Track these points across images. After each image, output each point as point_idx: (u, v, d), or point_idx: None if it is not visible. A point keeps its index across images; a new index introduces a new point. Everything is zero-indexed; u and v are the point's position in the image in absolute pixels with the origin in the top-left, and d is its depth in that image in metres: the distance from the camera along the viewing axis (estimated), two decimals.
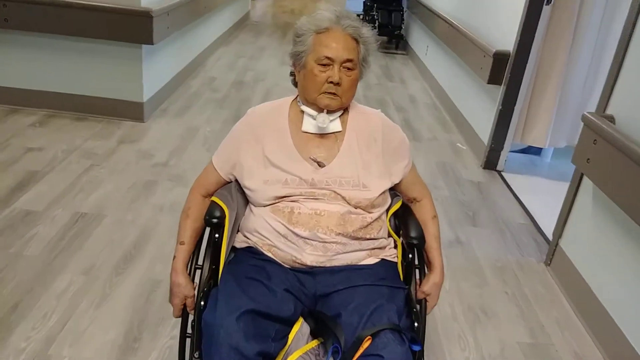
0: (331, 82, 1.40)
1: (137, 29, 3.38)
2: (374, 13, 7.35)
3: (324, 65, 1.40)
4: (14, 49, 3.53)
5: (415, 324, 1.32)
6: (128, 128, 3.60)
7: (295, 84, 1.51)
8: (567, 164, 3.74)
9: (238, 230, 1.49)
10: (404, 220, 1.52)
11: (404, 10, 7.32)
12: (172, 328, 1.90)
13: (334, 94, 1.41)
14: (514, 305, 2.29)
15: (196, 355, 1.29)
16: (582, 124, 2.25)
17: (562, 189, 2.64)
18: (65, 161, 3.03)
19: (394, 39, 7.38)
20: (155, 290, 2.10)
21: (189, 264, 1.42)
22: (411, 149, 1.58)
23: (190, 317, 1.38)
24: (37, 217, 2.49)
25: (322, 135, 1.46)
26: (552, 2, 3.20)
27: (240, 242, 1.46)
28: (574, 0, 3.20)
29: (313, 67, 1.41)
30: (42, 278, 2.09)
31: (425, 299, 1.44)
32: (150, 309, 2.00)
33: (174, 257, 1.41)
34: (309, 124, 1.46)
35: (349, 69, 1.42)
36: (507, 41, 3.43)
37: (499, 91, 3.48)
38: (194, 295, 1.38)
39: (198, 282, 1.39)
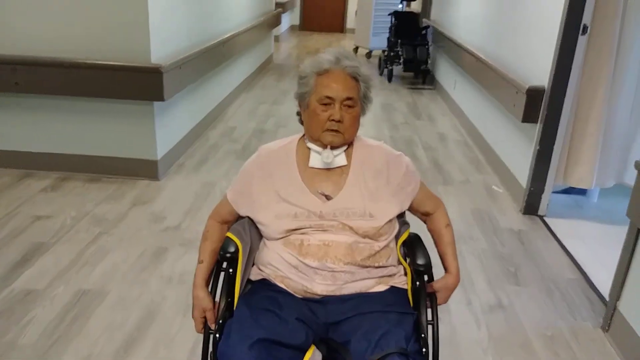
0: (333, 120, 1.47)
1: (147, 86, 3.26)
2: (399, 49, 7.17)
3: (326, 104, 1.47)
4: (25, 112, 3.45)
5: (424, 350, 1.33)
6: (142, 188, 3.45)
7: (302, 123, 1.58)
8: (616, 204, 3.41)
9: (254, 264, 1.54)
10: (411, 248, 1.56)
11: (429, 44, 7.12)
12: None
13: (336, 130, 1.48)
14: None
15: None
16: (631, 161, 1.95)
17: (613, 233, 2.32)
18: (73, 230, 2.88)
19: (420, 74, 7.17)
20: None
21: (209, 283, 1.51)
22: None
23: (210, 349, 1.40)
24: (37, 296, 2.31)
25: (329, 169, 1.52)
26: (587, 31, 2.93)
27: (255, 275, 1.52)
28: (613, 27, 2.92)
29: (316, 107, 1.48)
30: None
31: (435, 301, 1.49)
32: None
33: (195, 274, 1.51)
34: (316, 160, 1.52)
35: (349, 106, 1.48)
36: (541, 76, 3.16)
37: (536, 129, 3.20)
38: (212, 308, 1.45)
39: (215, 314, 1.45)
